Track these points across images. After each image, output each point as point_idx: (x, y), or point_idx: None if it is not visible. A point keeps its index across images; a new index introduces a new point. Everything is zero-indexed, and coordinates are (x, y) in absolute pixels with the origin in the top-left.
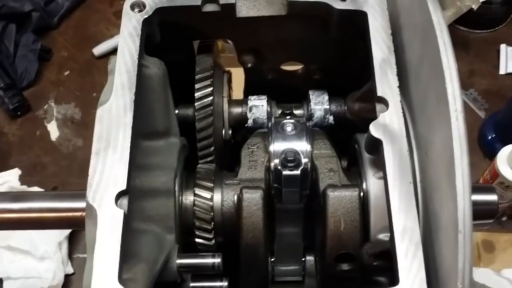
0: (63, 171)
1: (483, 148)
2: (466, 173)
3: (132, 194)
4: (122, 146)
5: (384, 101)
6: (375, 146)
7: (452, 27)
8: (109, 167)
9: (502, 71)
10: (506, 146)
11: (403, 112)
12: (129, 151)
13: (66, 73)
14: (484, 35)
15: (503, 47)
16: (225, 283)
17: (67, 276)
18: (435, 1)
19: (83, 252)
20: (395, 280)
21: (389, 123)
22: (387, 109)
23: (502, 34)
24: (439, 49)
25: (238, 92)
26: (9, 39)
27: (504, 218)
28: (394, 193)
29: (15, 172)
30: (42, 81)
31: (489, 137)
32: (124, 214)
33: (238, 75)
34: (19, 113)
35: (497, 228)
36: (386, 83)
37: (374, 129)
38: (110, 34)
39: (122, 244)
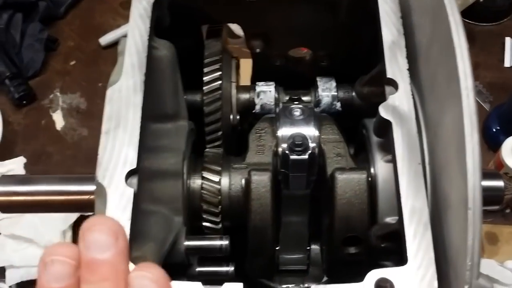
0: (68, 161)
1: (488, 140)
2: (476, 150)
3: (141, 175)
4: (132, 126)
5: (393, 83)
6: (384, 128)
7: None
8: (118, 147)
9: (507, 64)
10: (510, 137)
11: (412, 94)
12: (139, 131)
13: (72, 63)
14: (490, 28)
15: (508, 40)
16: (231, 268)
17: None
18: None
19: None
20: (403, 260)
21: (398, 105)
22: (397, 91)
23: (507, 27)
24: (450, 28)
25: (245, 82)
26: (15, 29)
27: (507, 211)
28: (403, 174)
29: (20, 161)
30: (48, 70)
31: (493, 129)
32: (134, 193)
33: (245, 67)
34: (24, 102)
35: (500, 221)
36: (395, 65)
37: (383, 111)
38: (116, 24)
39: (132, 223)
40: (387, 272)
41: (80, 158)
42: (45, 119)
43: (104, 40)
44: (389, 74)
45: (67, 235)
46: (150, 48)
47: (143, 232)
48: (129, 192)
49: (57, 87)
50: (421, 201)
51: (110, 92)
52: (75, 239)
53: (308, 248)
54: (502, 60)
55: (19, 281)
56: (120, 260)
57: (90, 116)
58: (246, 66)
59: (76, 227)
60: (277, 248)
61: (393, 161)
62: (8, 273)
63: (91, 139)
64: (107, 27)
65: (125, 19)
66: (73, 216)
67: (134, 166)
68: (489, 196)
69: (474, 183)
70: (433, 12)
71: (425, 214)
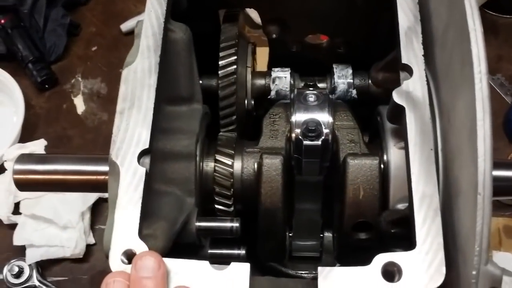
0: (88, 144)
1: (509, 134)
2: (488, 134)
3: (154, 155)
4: (146, 107)
5: (408, 69)
6: (398, 114)
7: (481, 11)
8: (132, 126)
9: None
10: None
11: (427, 81)
12: (152, 111)
13: (94, 48)
14: None
15: None
16: (243, 251)
17: (88, 246)
18: None
19: (104, 223)
20: (412, 245)
21: (412, 91)
22: (411, 76)
23: None
24: (466, 12)
25: (262, 68)
26: (39, 14)
27: None
28: (414, 160)
29: (41, 143)
30: (70, 55)
31: None
32: (146, 172)
33: (261, 54)
34: (46, 86)
35: None
36: (411, 51)
37: (397, 96)
38: (137, 11)
39: (143, 201)
40: (395, 257)
41: (100, 142)
42: (66, 103)
43: (125, 26)
44: (404, 60)
45: (85, 217)
46: (166, 30)
47: (155, 211)
48: (141, 172)
49: (78, 72)
50: (432, 187)
51: (125, 73)
52: (93, 221)
53: (322, 235)
54: None
55: (39, 259)
56: (161, 281)
57: (110, 101)
58: (263, 54)
59: (94, 209)
60: (290, 234)
61: (405, 146)
62: (28, 251)
63: (110, 123)
64: (128, 14)
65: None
66: (92, 198)
67: (146, 146)
68: (504, 186)
69: (485, 168)
70: None
71: (435, 200)
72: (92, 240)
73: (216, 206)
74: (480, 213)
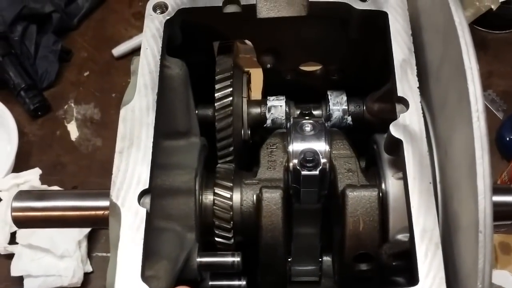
0: (83, 171)
1: (501, 150)
2: (487, 173)
3: (153, 192)
4: (145, 145)
5: (404, 102)
6: (395, 147)
7: (471, 28)
8: (132, 166)
9: None
10: None
11: (423, 113)
12: (151, 150)
13: (86, 73)
14: (503, 35)
15: None
16: (244, 282)
17: (86, 275)
18: (456, 1)
19: (101, 251)
20: (415, 280)
21: (409, 124)
22: (407, 109)
23: None
24: (461, 49)
25: (256, 93)
26: (30, 40)
27: None
28: (414, 193)
29: (36, 172)
30: (62, 81)
31: (507, 139)
32: (147, 212)
33: (256, 76)
34: (39, 113)
35: None
36: (406, 83)
37: (394, 130)
38: (129, 35)
39: (145, 242)
40: None
41: (94, 168)
42: (59, 130)
43: (117, 51)
44: (399, 93)
45: (82, 245)
46: (162, 67)
47: (156, 251)
48: (142, 212)
49: (71, 97)
50: (432, 220)
51: (123, 112)
52: (89, 249)
53: (320, 259)
54: None
55: None
56: None
57: (104, 127)
58: (258, 75)
59: (90, 236)
60: (289, 259)
61: (404, 180)
62: (26, 282)
63: (105, 149)
64: (119, 38)
65: (137, 29)
66: None
67: (146, 186)
68: (502, 212)
69: (485, 206)
70: (444, 31)
71: (436, 233)
72: (89, 268)
73: (216, 239)
74: (482, 251)
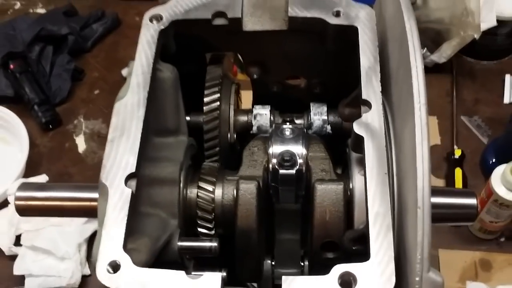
0: (88, 181)
1: (485, 172)
2: (426, 155)
3: (141, 180)
4: (134, 136)
5: (368, 104)
6: (358, 143)
7: (460, 58)
8: (121, 153)
9: (506, 100)
10: (499, 166)
11: (386, 114)
12: (139, 140)
13: (96, 92)
14: (490, 65)
15: (507, 77)
16: (224, 273)
17: (84, 277)
18: (410, 12)
19: None
20: (367, 257)
21: (370, 122)
22: (370, 110)
23: (507, 65)
24: (409, 51)
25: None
26: (46, 60)
27: (502, 239)
28: (371, 182)
29: (43, 178)
30: (73, 98)
31: (490, 162)
32: (132, 193)
33: (248, 95)
34: (51, 126)
35: (495, 249)
36: (370, 88)
37: (357, 127)
38: None
39: (128, 219)
40: (351, 267)
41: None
42: (68, 142)
43: (126, 71)
44: (364, 96)
45: (82, 248)
46: (155, 70)
47: (139, 230)
48: (127, 192)
49: (81, 113)
50: (385, 206)
51: (117, 106)
52: (89, 254)
53: (302, 264)
54: (501, 96)
55: None
56: None
57: None
58: (249, 95)
59: (90, 241)
60: (273, 263)
61: (364, 171)
62: (27, 281)
63: None
64: (129, 60)
65: None
66: (89, 231)
67: (133, 170)
68: (463, 214)
69: (424, 185)
70: (400, 39)
71: (388, 217)
72: (87, 271)
73: (199, 229)
74: (420, 224)
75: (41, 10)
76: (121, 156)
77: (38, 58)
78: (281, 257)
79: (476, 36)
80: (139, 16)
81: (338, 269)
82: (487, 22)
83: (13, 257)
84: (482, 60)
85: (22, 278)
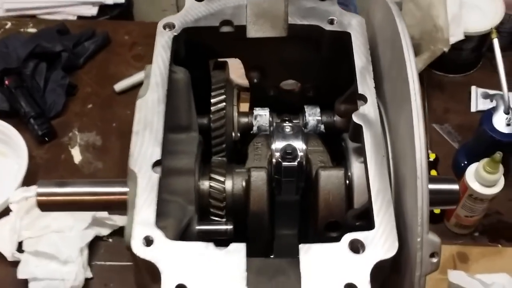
0: None
1: (457, 174)
2: (422, 134)
3: (162, 169)
4: (156, 128)
5: (363, 98)
6: (357, 132)
7: (430, 71)
8: (146, 144)
9: (473, 109)
10: (472, 164)
11: (378, 106)
12: (162, 132)
13: (89, 106)
14: (458, 78)
15: (473, 88)
16: None
17: (86, 280)
18: (400, 17)
19: (101, 260)
20: (372, 227)
21: (367, 113)
22: (366, 103)
23: (473, 78)
24: (403, 48)
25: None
26: (40, 75)
27: (476, 234)
28: (371, 164)
29: None
30: (68, 112)
31: (462, 164)
32: (159, 178)
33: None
34: (46, 139)
35: (470, 242)
36: (365, 84)
37: (356, 118)
38: (129, 73)
39: (157, 200)
40: (359, 235)
41: None
42: (64, 154)
43: (118, 86)
44: (360, 91)
45: (84, 252)
46: (170, 71)
47: (164, 212)
48: (155, 177)
49: (75, 126)
50: (385, 183)
51: (139, 103)
52: (90, 258)
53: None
54: (468, 106)
55: None
56: None
57: (105, 151)
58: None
59: (90, 246)
60: (272, 256)
61: (363, 155)
62: (31, 285)
63: (105, 171)
64: (120, 76)
65: (137, 69)
66: (89, 236)
67: (159, 158)
68: (446, 198)
69: (421, 157)
70: (391, 40)
71: (388, 193)
72: (89, 275)
73: (212, 217)
74: (420, 192)
75: (32, 30)
76: (146, 146)
77: (32, 74)
78: (280, 251)
79: (446, 49)
80: (128, 35)
81: (348, 237)
82: (456, 36)
83: (16, 263)
84: (450, 73)
85: (25, 283)
